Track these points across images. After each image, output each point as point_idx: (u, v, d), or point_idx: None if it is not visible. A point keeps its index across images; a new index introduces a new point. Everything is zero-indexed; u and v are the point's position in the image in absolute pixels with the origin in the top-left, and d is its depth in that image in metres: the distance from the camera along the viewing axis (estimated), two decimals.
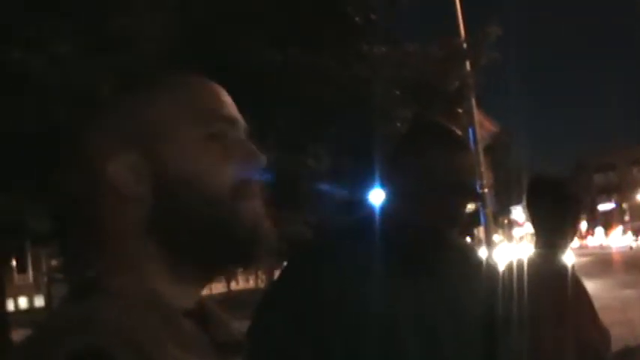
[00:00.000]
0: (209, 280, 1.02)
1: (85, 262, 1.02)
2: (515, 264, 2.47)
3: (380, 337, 1.74)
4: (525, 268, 2.45)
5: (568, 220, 2.62)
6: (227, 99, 1.05)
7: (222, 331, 1.01)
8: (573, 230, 2.67)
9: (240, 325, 1.04)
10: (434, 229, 1.82)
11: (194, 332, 0.95)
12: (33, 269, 29.40)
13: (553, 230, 2.61)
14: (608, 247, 61.68)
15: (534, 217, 2.70)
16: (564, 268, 2.64)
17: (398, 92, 11.49)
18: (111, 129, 1.00)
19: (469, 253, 2.03)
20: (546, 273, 2.50)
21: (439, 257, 1.87)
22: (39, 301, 27.38)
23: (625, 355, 2.71)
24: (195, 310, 0.98)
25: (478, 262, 2.00)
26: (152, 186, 0.96)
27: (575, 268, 2.68)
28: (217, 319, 1.02)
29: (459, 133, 1.90)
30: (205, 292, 1.07)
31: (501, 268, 2.36)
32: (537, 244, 2.65)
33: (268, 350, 1.71)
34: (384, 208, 1.88)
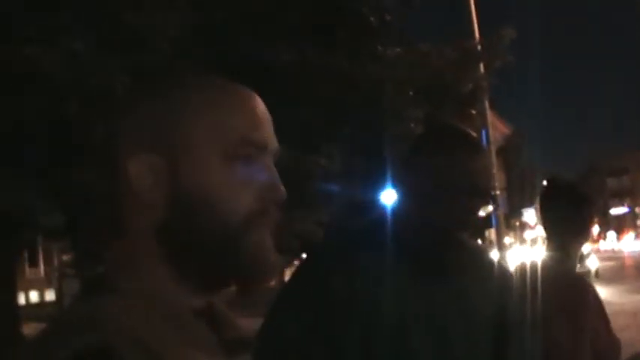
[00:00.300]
0: (217, 290, 1.01)
1: (96, 258, 1.03)
2: (528, 266, 2.46)
3: (391, 337, 1.74)
4: (539, 270, 2.44)
5: (581, 223, 2.61)
6: (263, 116, 1.02)
7: (231, 330, 1.00)
8: (586, 233, 2.66)
9: (250, 323, 1.04)
10: (446, 231, 1.82)
11: (202, 331, 0.95)
12: (44, 263, 29.55)
13: (566, 233, 2.60)
14: (620, 252, 61.39)
15: (547, 219, 2.69)
16: (577, 271, 2.63)
17: (411, 93, 11.49)
18: (136, 128, 0.98)
19: (481, 255, 2.03)
20: (560, 275, 2.49)
21: (451, 258, 1.86)
22: (50, 296, 27.50)
23: None
24: (203, 309, 0.98)
25: (490, 263, 2.00)
26: (168, 192, 0.96)
27: (599, 272, 2.68)
28: (225, 318, 1.01)
29: (474, 135, 1.89)
30: None
31: (513, 270, 2.36)
32: (549, 247, 2.65)
33: (281, 349, 1.72)
34: (397, 209, 1.88)
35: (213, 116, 0.98)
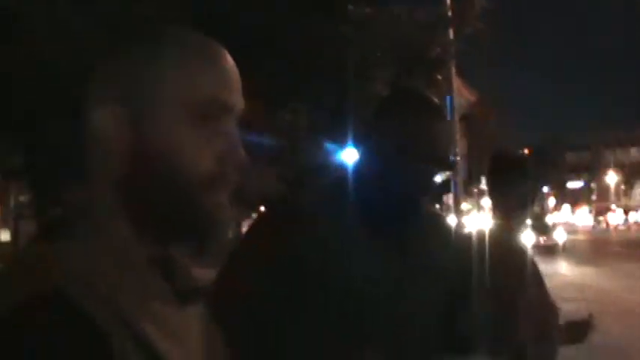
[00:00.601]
0: (173, 242, 1.01)
1: (54, 200, 1.03)
2: (476, 234, 2.54)
3: (349, 301, 1.76)
4: (486, 238, 2.52)
5: (522, 196, 2.71)
6: (234, 76, 1.02)
7: (184, 279, 1.01)
8: (527, 206, 2.75)
9: (207, 274, 1.06)
10: (407, 196, 1.84)
11: (156, 278, 0.97)
12: (1, 204, 29.17)
13: (509, 205, 2.70)
14: (574, 225, 62.49)
15: (492, 191, 2.80)
16: (520, 240, 2.73)
17: (379, 54, 11.46)
18: (106, 79, 0.99)
19: (440, 220, 2.07)
20: (503, 243, 2.58)
21: (411, 223, 1.89)
22: (5, 236, 27.20)
23: (569, 329, 2.83)
24: (158, 258, 0.99)
25: (449, 229, 2.04)
26: (130, 144, 0.96)
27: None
28: (180, 267, 1.02)
29: (438, 102, 1.92)
30: None
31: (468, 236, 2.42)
32: (495, 217, 2.74)
33: (238, 301, 1.73)
34: (358, 169, 1.89)
35: (183, 73, 0.98)
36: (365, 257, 1.80)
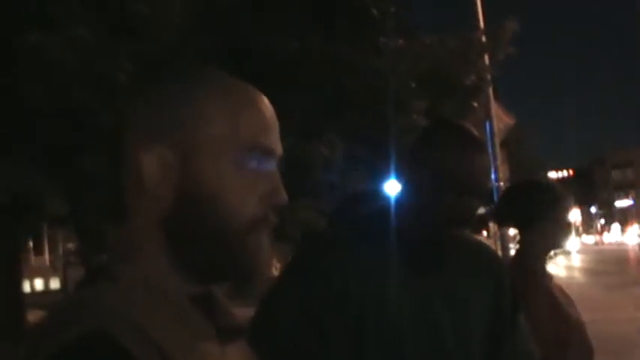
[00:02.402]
0: (214, 282, 1.04)
1: (99, 246, 1.06)
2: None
3: (383, 331, 1.77)
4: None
5: (533, 223, 2.69)
6: (272, 121, 1.04)
7: (226, 318, 1.03)
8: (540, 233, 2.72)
9: (245, 312, 1.08)
10: (446, 228, 1.84)
11: (198, 317, 0.98)
12: (49, 252, 29.60)
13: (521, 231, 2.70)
14: (624, 244, 61.15)
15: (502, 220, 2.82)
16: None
17: (414, 84, 11.48)
18: (151, 120, 1.00)
19: (479, 252, 2.03)
20: (514, 269, 2.56)
21: (449, 255, 1.89)
22: (55, 284, 27.55)
23: None
24: (199, 296, 1.00)
25: (488, 261, 2.00)
26: (177, 187, 0.97)
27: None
28: (221, 306, 1.04)
29: (477, 134, 1.92)
30: None
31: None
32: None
33: (275, 338, 1.75)
34: (399, 201, 1.89)
35: (228, 118, 1.00)
36: (401, 288, 1.80)
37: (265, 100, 1.05)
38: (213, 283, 1.04)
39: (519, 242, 2.73)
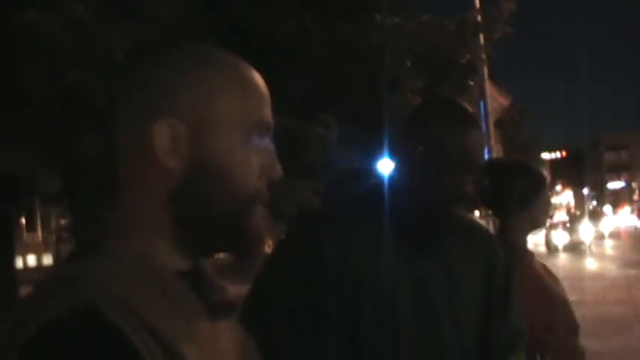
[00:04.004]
0: (208, 255, 1.05)
1: (93, 221, 1.05)
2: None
3: (377, 306, 1.77)
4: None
5: (519, 201, 2.67)
6: (267, 95, 1.05)
7: (216, 293, 1.03)
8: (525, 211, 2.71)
9: (239, 289, 1.08)
10: (440, 205, 1.84)
11: (186, 293, 0.97)
12: (42, 228, 29.61)
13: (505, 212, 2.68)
14: (616, 226, 61.25)
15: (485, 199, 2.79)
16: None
17: (409, 63, 11.46)
18: (158, 94, 0.99)
19: (472, 229, 2.03)
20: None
21: (444, 232, 1.89)
22: (47, 260, 27.60)
23: None
24: (189, 272, 1.00)
25: (481, 239, 2.01)
26: (186, 160, 0.98)
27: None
28: (212, 282, 1.04)
29: (471, 111, 1.91)
30: None
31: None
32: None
33: (269, 313, 1.75)
34: (393, 179, 1.89)
35: (239, 94, 1.01)
36: (395, 265, 1.80)
37: (259, 76, 1.06)
38: (208, 255, 1.05)
39: (501, 223, 2.70)
